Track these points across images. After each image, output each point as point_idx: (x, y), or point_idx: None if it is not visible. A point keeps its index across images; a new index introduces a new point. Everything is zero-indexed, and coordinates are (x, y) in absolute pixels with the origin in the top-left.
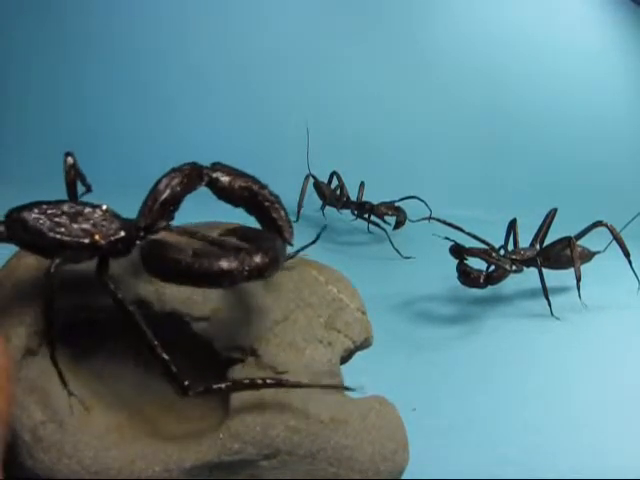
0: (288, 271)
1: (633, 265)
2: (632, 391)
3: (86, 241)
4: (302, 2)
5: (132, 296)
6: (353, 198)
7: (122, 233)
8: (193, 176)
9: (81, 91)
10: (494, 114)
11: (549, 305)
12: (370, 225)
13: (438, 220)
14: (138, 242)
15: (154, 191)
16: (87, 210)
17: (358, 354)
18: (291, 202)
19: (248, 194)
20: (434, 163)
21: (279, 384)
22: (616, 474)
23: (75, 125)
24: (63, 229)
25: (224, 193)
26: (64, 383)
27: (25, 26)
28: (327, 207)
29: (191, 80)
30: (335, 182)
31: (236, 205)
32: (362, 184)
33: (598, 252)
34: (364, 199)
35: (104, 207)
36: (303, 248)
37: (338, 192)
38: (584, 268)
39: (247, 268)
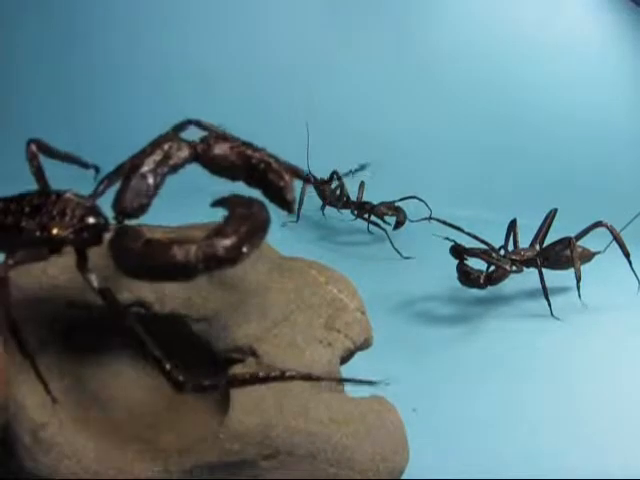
0: (288, 271)
1: (633, 265)
2: (632, 391)
3: (39, 234)
4: (302, 2)
5: (131, 296)
6: (353, 198)
7: (90, 220)
8: (175, 151)
9: (85, 91)
10: (494, 114)
11: (549, 305)
12: (370, 225)
13: (438, 220)
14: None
15: (130, 171)
16: (49, 200)
17: (358, 354)
18: None
19: (242, 161)
20: (434, 163)
21: (282, 377)
22: (616, 474)
23: (78, 126)
24: (12, 225)
25: (215, 166)
26: (47, 390)
27: (29, 25)
28: (327, 207)
29: (191, 80)
30: (335, 182)
31: (232, 178)
32: (362, 184)
33: (598, 252)
34: (364, 199)
35: (67, 195)
36: None
37: (338, 192)
38: (584, 268)
39: (203, 256)
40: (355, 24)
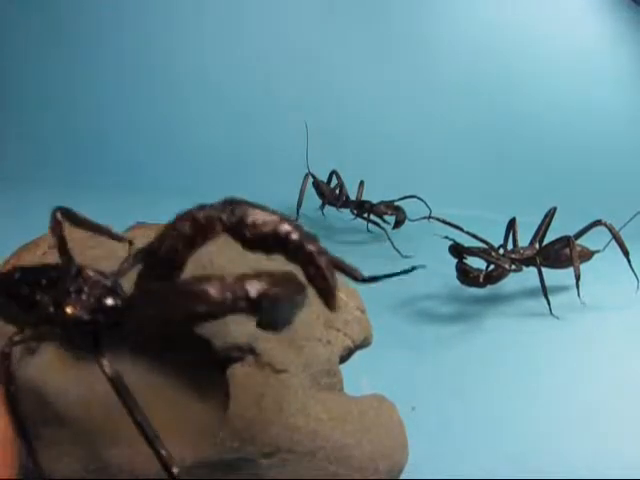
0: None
1: (632, 264)
2: (632, 390)
3: (52, 311)
4: (302, 2)
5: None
6: (352, 197)
7: (108, 301)
8: (200, 230)
9: (90, 95)
10: (494, 114)
11: (548, 304)
12: (369, 224)
13: (438, 219)
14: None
15: (151, 254)
16: (68, 275)
17: (357, 353)
18: (291, 201)
19: (279, 245)
20: (434, 162)
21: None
22: (616, 473)
23: (83, 128)
24: (26, 297)
25: (248, 243)
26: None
27: (34, 26)
28: (326, 206)
29: (191, 80)
30: (334, 181)
31: (269, 254)
32: (362, 183)
33: (597, 251)
34: (363, 198)
35: (88, 271)
36: None
37: (337, 191)
38: (583, 267)
39: (231, 296)
40: (356, 24)
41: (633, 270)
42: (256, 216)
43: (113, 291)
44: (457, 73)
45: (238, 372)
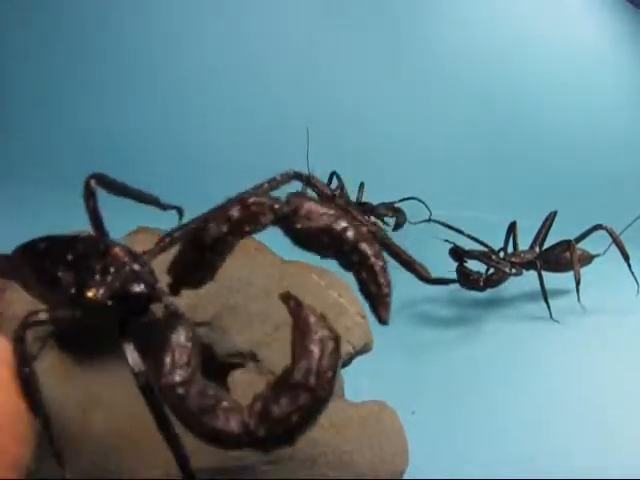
0: (289, 276)
1: (632, 268)
2: (632, 393)
3: (73, 292)
4: (302, 2)
5: None
6: (353, 199)
7: (134, 288)
8: (249, 215)
9: (92, 96)
10: (494, 116)
11: (548, 308)
12: None
13: (438, 222)
14: (163, 303)
15: (194, 234)
16: (95, 251)
17: (358, 357)
18: None
19: (332, 242)
20: (434, 164)
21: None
22: (616, 473)
23: (84, 128)
24: (48, 271)
25: (300, 238)
26: (61, 462)
27: (38, 26)
28: None
29: (191, 80)
30: (335, 182)
31: (322, 256)
32: (362, 185)
33: (597, 255)
34: (363, 200)
35: (116, 249)
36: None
37: (337, 192)
38: (583, 271)
39: (247, 436)
40: (356, 24)
41: (633, 274)
42: (312, 208)
43: (141, 275)
44: (458, 75)
45: (239, 378)
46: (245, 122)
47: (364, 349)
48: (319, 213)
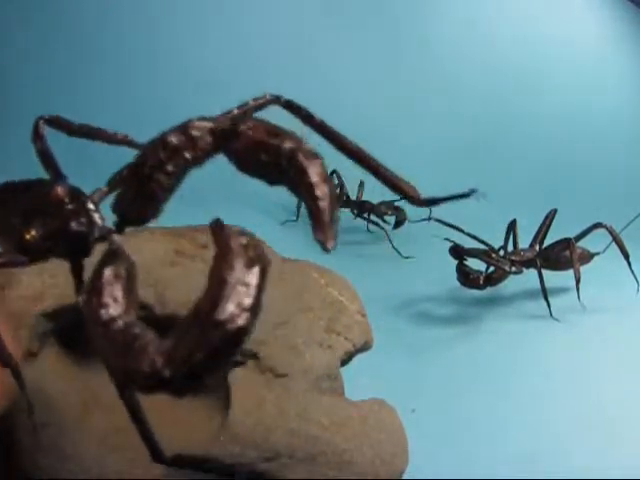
0: (289, 274)
1: (632, 267)
2: (632, 392)
3: (15, 235)
4: (302, 2)
5: None
6: (353, 197)
7: (73, 226)
8: (188, 140)
9: (91, 95)
10: (494, 114)
11: (548, 306)
12: (370, 225)
13: (438, 220)
14: (107, 239)
15: (139, 167)
16: (38, 193)
17: (357, 355)
18: (291, 201)
19: (270, 159)
20: (434, 163)
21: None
22: (616, 473)
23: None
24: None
25: (240, 162)
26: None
27: (38, 26)
28: None
29: (191, 80)
30: (335, 181)
31: (268, 181)
32: (362, 183)
33: (597, 253)
34: (364, 198)
35: (58, 188)
36: None
37: (338, 191)
38: (583, 269)
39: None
40: (355, 24)
41: (633, 272)
42: (255, 123)
43: (82, 214)
44: (457, 75)
45: (239, 376)
46: None
47: (364, 347)
48: (261, 128)
